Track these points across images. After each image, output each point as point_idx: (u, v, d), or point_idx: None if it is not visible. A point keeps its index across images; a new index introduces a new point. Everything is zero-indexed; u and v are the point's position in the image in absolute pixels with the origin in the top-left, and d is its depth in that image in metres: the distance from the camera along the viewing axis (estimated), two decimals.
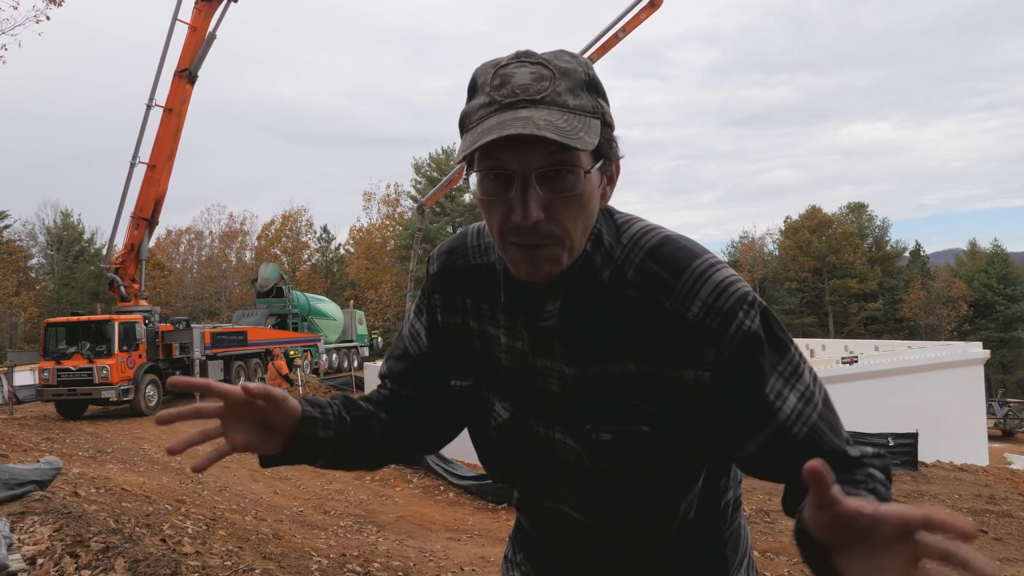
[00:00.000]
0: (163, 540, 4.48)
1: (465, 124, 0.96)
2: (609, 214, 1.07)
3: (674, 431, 1.02)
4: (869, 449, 1.00)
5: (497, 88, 0.93)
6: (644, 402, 1.01)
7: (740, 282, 0.98)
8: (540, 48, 0.98)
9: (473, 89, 0.98)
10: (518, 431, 1.12)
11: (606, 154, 0.97)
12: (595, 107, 0.94)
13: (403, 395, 1.26)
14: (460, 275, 1.17)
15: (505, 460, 1.18)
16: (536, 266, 0.96)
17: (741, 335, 0.95)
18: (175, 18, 18.70)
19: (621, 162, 1.04)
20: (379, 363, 19.35)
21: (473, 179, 0.97)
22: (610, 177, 1.02)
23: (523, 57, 0.95)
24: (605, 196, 1.02)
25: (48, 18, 10.50)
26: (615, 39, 18.66)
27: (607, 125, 0.96)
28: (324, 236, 54.10)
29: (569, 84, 0.93)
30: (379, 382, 1.32)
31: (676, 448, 1.03)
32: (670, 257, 1.00)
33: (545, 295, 1.03)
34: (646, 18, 18.48)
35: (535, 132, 0.86)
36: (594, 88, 0.96)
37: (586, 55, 17.46)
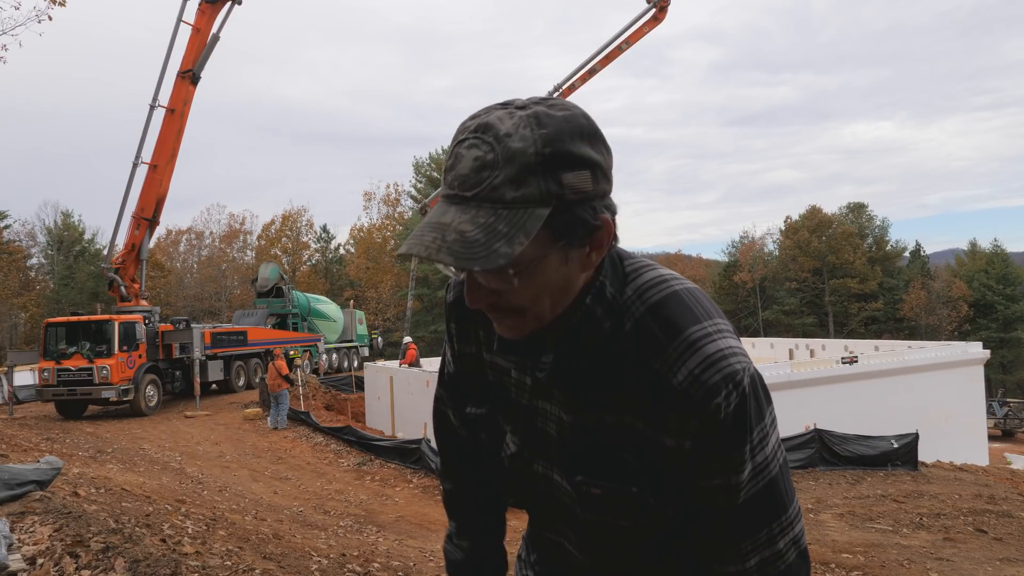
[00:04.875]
0: (163, 540, 4.48)
1: None
2: (619, 259, 1.04)
3: (662, 494, 1.02)
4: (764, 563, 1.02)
5: (448, 171, 0.91)
6: (635, 459, 1.00)
7: (734, 356, 0.95)
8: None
9: None
10: (523, 465, 1.14)
11: (568, 235, 0.91)
12: (545, 193, 0.87)
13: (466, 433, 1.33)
14: None
15: (513, 488, 1.21)
16: (504, 330, 0.99)
17: (716, 413, 0.94)
18: (179, 20, 18.73)
19: (614, 216, 0.98)
20: (379, 363, 19.19)
21: None
22: (595, 244, 0.94)
23: (480, 132, 0.89)
24: (589, 262, 0.96)
25: (50, 18, 10.49)
26: (619, 50, 18.78)
27: (572, 203, 0.89)
28: (324, 236, 54.13)
29: (513, 172, 0.86)
30: (435, 404, 1.39)
31: (665, 510, 1.03)
32: (669, 318, 0.97)
33: (543, 344, 1.02)
34: (650, 31, 18.62)
35: (431, 256, 0.86)
36: (556, 165, 0.88)
37: (590, 66, 17.39)
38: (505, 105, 0.92)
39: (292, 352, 18.82)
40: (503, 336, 1.01)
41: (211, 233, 50.83)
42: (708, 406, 0.93)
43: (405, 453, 12.36)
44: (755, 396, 0.96)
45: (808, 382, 15.29)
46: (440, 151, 48.76)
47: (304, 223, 52.68)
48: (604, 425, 1.01)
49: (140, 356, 17.19)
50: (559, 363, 1.02)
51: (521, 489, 1.17)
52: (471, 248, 0.85)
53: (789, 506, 1.02)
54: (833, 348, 24.26)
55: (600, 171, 0.92)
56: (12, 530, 3.88)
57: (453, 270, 0.99)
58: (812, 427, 12.51)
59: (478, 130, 0.89)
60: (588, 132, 0.91)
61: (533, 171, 0.87)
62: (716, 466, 0.97)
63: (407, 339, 19.29)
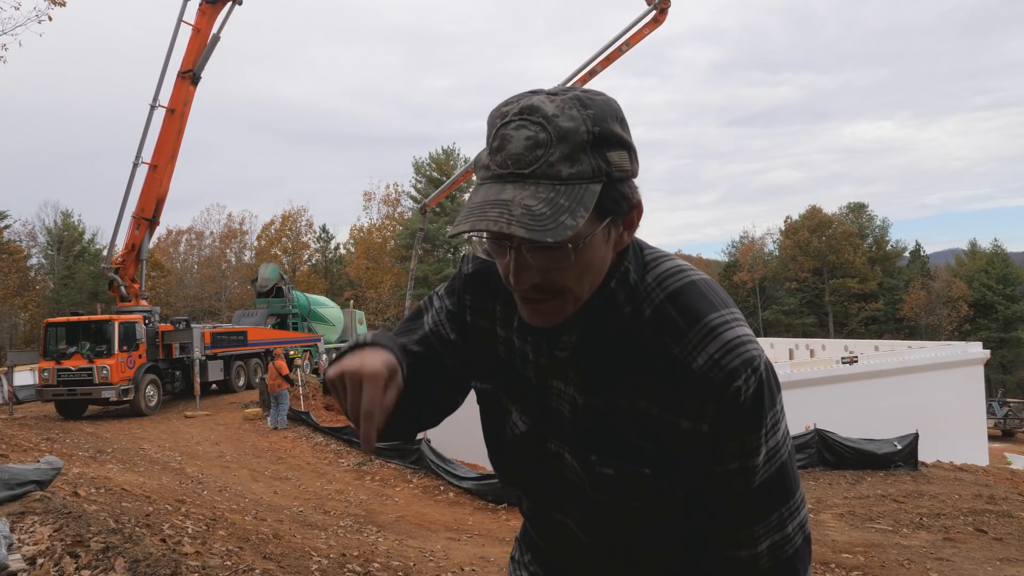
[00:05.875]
0: (163, 540, 4.48)
1: (476, 175, 0.98)
2: (639, 248, 1.07)
3: (674, 477, 1.03)
4: (771, 550, 1.04)
5: (495, 152, 0.92)
6: (648, 443, 1.02)
7: (750, 343, 0.99)
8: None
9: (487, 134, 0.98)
10: (533, 444, 1.13)
11: (613, 211, 0.95)
12: (596, 169, 0.91)
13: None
14: (494, 280, 1.16)
15: (516, 468, 1.19)
16: (539, 318, 0.99)
17: (735, 397, 0.96)
18: (180, 20, 18.71)
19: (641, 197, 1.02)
20: None
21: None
22: (628, 223, 0.99)
23: (526, 114, 0.91)
24: (622, 241, 1.00)
25: (50, 19, 10.52)
26: (619, 52, 18.74)
27: (617, 180, 0.94)
28: (323, 236, 54.15)
29: (566, 150, 0.89)
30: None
31: (676, 493, 1.05)
32: (688, 305, 1.00)
33: (563, 325, 1.03)
34: (650, 32, 18.59)
35: (503, 229, 0.85)
36: (602, 143, 0.92)
37: (590, 67, 17.23)
38: (536, 92, 0.95)
39: (292, 352, 18.80)
40: (536, 324, 1.01)
41: (211, 233, 50.89)
42: (728, 389, 0.96)
43: (405, 453, 12.36)
44: (769, 382, 1.00)
45: (808, 382, 15.30)
46: (440, 151, 48.76)
47: (304, 223, 52.74)
48: (618, 408, 1.03)
49: (140, 356, 17.17)
50: (579, 344, 1.03)
51: (528, 469, 1.16)
52: (540, 221, 0.87)
53: (796, 491, 1.06)
54: (833, 348, 24.30)
55: (633, 153, 0.97)
56: (12, 530, 3.88)
57: (484, 248, 1.01)
58: (812, 427, 12.51)
59: (523, 112, 0.92)
60: (621, 117, 0.97)
61: (584, 149, 0.90)
62: (734, 450, 0.99)
63: None
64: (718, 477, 1.01)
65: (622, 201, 0.95)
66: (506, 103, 0.95)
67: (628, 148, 0.95)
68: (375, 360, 0.98)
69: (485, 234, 0.96)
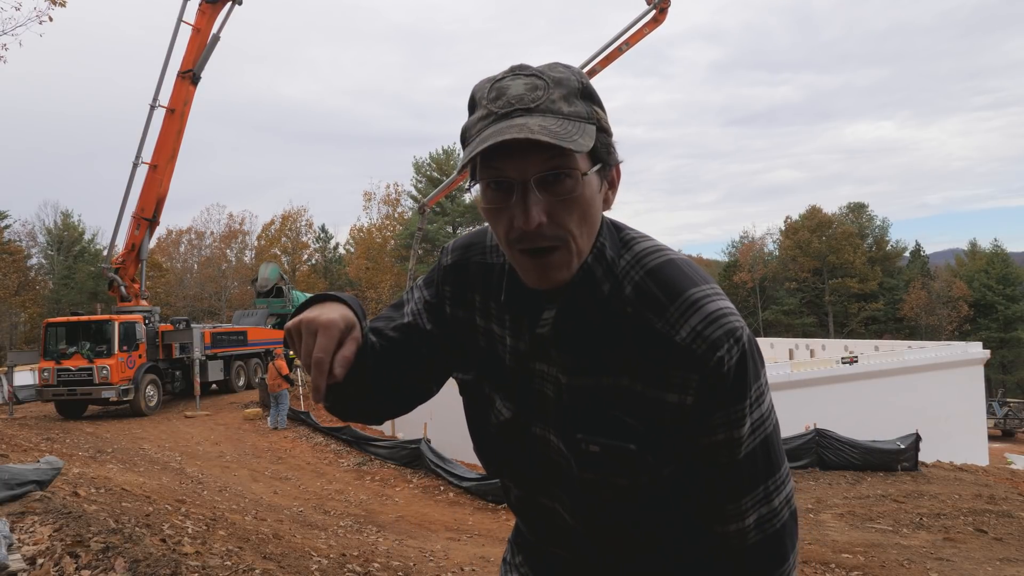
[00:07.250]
0: (163, 540, 4.48)
1: (465, 138, 0.98)
2: (616, 228, 1.09)
3: (660, 452, 1.04)
4: (759, 522, 1.05)
5: (494, 100, 0.96)
6: (633, 419, 1.03)
7: (732, 315, 1.00)
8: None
9: (472, 105, 1.00)
10: (518, 430, 1.14)
11: (604, 158, 0.99)
12: (590, 113, 0.97)
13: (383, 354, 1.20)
14: (473, 271, 1.18)
15: (502, 455, 1.20)
16: (546, 273, 0.99)
17: (719, 367, 0.97)
18: (179, 20, 18.72)
19: (621, 166, 1.06)
20: None
21: (476, 190, 1.00)
22: (611, 182, 1.04)
23: (517, 71, 0.98)
24: (608, 201, 1.04)
25: (51, 19, 10.52)
26: (618, 51, 18.74)
27: (603, 131, 0.99)
28: (323, 236, 54.15)
29: (563, 92, 0.96)
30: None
31: (663, 468, 1.05)
32: (668, 280, 1.02)
33: (544, 301, 1.05)
34: (649, 32, 18.59)
35: (530, 136, 0.88)
36: (588, 96, 0.99)
37: (589, 67, 17.34)
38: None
39: (292, 352, 18.79)
40: (543, 283, 1.00)
41: (211, 233, 50.86)
42: (711, 360, 0.97)
43: (405, 453, 12.36)
44: (752, 354, 1.01)
45: (808, 382, 15.29)
46: (440, 151, 48.73)
47: (304, 223, 52.72)
48: (601, 387, 1.04)
49: (140, 356, 17.19)
50: (559, 322, 1.04)
51: (514, 455, 1.17)
52: (559, 134, 0.91)
53: (782, 465, 1.07)
54: (833, 348, 24.29)
55: (607, 118, 1.02)
56: (12, 530, 3.88)
57: (483, 203, 1.02)
58: (812, 427, 12.50)
59: (514, 69, 0.99)
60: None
61: (577, 94, 0.98)
62: (720, 420, 1.00)
63: None
64: (704, 448, 1.02)
65: (610, 149, 1.01)
66: (488, 77, 1.00)
67: (604, 110, 1.02)
68: (332, 312, 1.02)
69: (491, 183, 0.96)
